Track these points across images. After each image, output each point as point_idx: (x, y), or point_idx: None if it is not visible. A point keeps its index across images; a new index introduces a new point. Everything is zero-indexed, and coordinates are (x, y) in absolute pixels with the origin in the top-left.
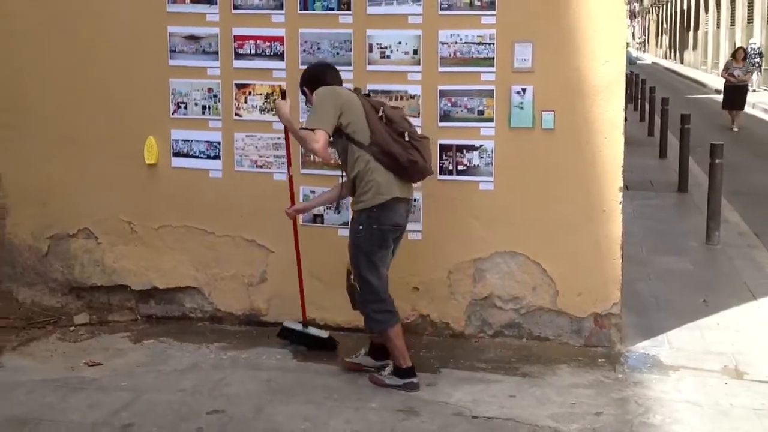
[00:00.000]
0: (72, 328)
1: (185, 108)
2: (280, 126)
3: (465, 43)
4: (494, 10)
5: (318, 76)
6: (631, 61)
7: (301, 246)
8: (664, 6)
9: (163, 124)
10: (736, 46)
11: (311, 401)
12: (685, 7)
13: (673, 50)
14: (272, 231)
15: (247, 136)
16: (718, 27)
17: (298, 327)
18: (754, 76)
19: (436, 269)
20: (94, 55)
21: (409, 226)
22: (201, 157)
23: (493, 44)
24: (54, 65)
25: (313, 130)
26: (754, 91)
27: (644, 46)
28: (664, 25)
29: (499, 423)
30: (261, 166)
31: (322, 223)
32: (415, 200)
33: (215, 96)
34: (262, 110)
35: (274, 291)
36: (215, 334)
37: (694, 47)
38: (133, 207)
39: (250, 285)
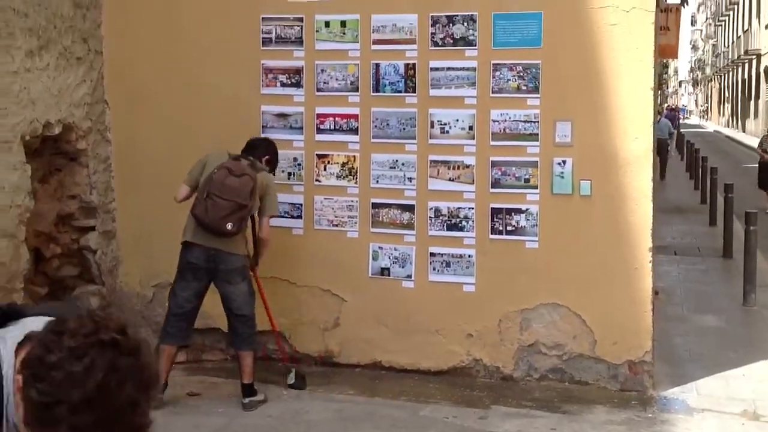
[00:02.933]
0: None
1: (273, 174)
2: (354, 190)
3: (513, 120)
4: (538, 93)
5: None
6: (669, 132)
7: (371, 295)
8: (727, 74)
9: None
10: None
11: (378, 427)
12: (746, 76)
13: (734, 119)
14: (345, 282)
15: (325, 198)
16: None
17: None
18: None
19: (488, 318)
20: (196, 129)
21: (464, 279)
22: (285, 217)
23: (538, 122)
24: (169, 132)
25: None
26: None
27: (707, 114)
28: (726, 94)
29: None
30: (336, 225)
31: (389, 275)
32: (469, 256)
33: (299, 164)
34: (338, 177)
35: (346, 335)
36: None
37: (755, 116)
38: None
39: (325, 330)
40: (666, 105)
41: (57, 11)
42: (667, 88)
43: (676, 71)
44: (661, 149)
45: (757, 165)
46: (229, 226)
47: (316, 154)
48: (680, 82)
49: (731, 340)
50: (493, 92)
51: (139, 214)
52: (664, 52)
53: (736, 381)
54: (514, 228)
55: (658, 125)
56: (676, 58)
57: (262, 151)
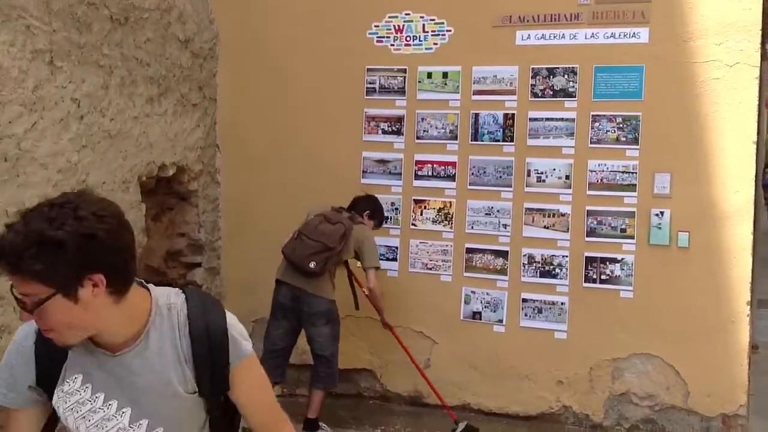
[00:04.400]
0: None
1: (379, 227)
2: (450, 235)
3: (611, 171)
4: (637, 145)
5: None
6: None
7: (462, 338)
8: None
9: None
10: None
11: None
12: None
13: None
14: (437, 324)
15: (420, 242)
16: None
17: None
18: None
19: (579, 365)
20: (300, 172)
21: (556, 326)
22: (381, 259)
23: (636, 173)
24: (274, 173)
25: None
26: None
27: None
28: None
29: None
30: (431, 269)
31: (480, 319)
32: (561, 304)
33: (396, 209)
34: (434, 222)
35: (437, 376)
36: (385, 411)
37: None
38: None
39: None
40: None
41: (176, 61)
42: None
43: None
44: None
45: None
46: (312, 264)
47: (413, 199)
48: None
49: None
50: (591, 143)
51: (243, 252)
52: None
53: None
54: (608, 277)
55: None
56: None
57: (363, 206)
